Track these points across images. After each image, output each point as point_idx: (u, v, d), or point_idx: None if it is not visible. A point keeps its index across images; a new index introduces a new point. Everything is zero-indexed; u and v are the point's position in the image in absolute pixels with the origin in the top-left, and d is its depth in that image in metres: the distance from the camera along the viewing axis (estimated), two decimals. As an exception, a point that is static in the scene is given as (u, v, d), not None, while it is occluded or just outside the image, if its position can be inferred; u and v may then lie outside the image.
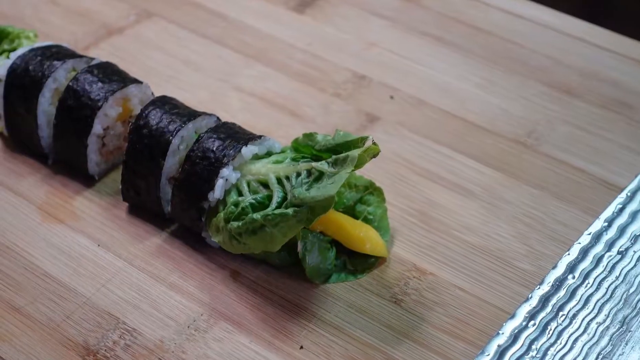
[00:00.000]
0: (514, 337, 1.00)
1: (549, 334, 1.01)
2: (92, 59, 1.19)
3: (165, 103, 1.12)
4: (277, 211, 0.98)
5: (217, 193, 1.04)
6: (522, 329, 1.01)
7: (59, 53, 1.19)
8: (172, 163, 1.08)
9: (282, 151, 1.09)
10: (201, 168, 1.05)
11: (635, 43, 1.48)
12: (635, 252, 1.10)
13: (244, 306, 1.04)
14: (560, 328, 1.01)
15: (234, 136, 1.08)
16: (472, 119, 1.31)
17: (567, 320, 1.02)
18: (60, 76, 1.16)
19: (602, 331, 1.01)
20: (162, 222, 1.13)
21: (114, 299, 1.04)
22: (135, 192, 1.11)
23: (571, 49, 1.46)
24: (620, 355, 1.00)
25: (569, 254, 1.10)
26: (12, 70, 1.17)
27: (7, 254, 1.09)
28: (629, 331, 1.02)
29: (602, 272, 1.08)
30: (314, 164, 1.01)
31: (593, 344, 1.00)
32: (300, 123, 1.29)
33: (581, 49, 1.46)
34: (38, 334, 1.00)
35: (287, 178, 1.02)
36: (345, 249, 1.08)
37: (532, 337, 1.01)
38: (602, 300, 1.05)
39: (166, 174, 1.09)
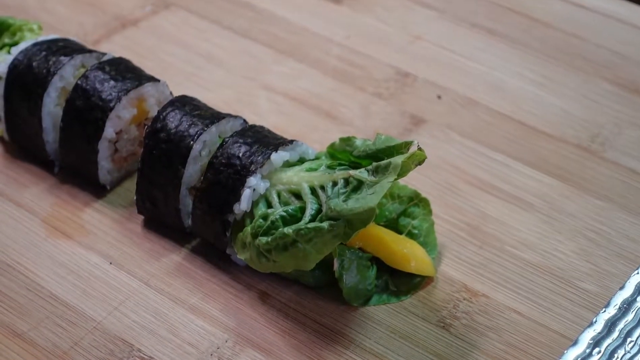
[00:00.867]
0: (578, 367, 1.01)
1: (616, 363, 1.01)
2: (104, 54, 1.19)
3: (185, 104, 1.12)
4: (311, 225, 0.98)
5: (243, 205, 1.04)
6: (585, 357, 1.01)
7: (66, 48, 1.19)
8: (193, 171, 1.08)
9: (317, 158, 1.09)
10: (225, 177, 1.04)
11: None
12: None
13: (274, 331, 1.03)
14: (628, 356, 1.01)
15: (263, 141, 1.07)
16: (529, 122, 1.31)
17: (636, 348, 1.02)
18: (68, 74, 1.16)
19: (677, 361, 1.01)
20: (181, 238, 1.13)
21: (128, 324, 1.04)
22: (151, 204, 1.11)
23: (640, 43, 1.47)
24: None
25: (638, 273, 1.10)
26: (13, 67, 1.17)
27: (8, 273, 1.08)
28: None
29: (677, 292, 1.08)
30: (352, 172, 1.00)
31: (666, 375, 1.00)
32: (337, 126, 1.29)
33: (652, 42, 1.47)
34: (42, 363, 1.01)
35: (322, 188, 1.01)
36: (387, 268, 1.08)
37: (598, 366, 1.01)
38: (677, 325, 1.05)
39: (186, 184, 1.08)
